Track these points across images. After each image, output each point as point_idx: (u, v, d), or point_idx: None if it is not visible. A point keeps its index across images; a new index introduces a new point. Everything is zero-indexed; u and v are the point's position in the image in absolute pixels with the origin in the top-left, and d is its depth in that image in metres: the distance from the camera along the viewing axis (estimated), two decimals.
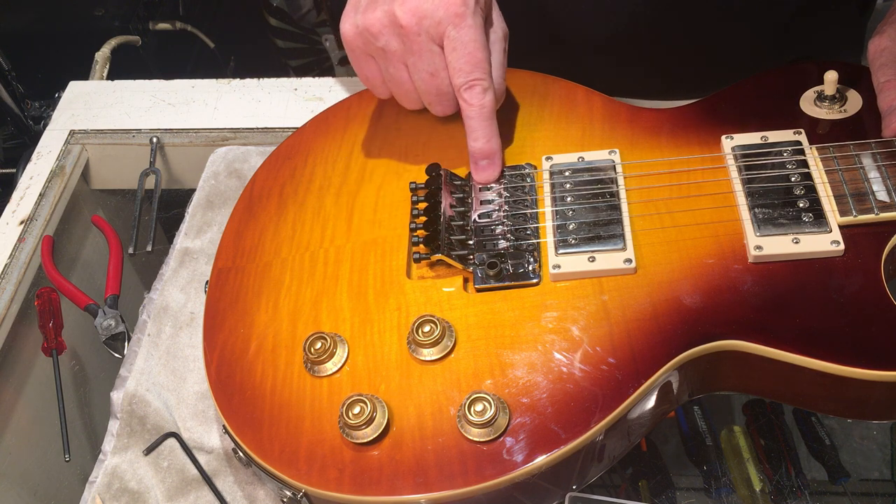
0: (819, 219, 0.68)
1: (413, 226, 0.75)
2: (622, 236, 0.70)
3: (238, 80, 1.04)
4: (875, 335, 0.62)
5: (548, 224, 0.72)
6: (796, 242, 0.67)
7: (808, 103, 0.77)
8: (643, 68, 0.95)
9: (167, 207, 0.97)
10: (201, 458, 0.75)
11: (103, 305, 0.86)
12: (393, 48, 0.73)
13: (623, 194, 0.73)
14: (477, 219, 0.73)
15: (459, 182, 0.76)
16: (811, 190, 0.70)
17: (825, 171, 0.71)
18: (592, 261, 0.69)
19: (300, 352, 0.69)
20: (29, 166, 0.99)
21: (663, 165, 0.75)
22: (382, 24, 0.72)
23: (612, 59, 0.94)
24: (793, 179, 0.71)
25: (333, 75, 1.04)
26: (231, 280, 0.75)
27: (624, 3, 0.89)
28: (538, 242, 0.71)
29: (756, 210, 0.69)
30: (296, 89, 1.02)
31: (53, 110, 1.05)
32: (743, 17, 0.92)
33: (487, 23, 0.74)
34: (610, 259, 0.69)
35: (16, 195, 0.96)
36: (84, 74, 1.19)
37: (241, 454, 0.68)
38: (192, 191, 0.94)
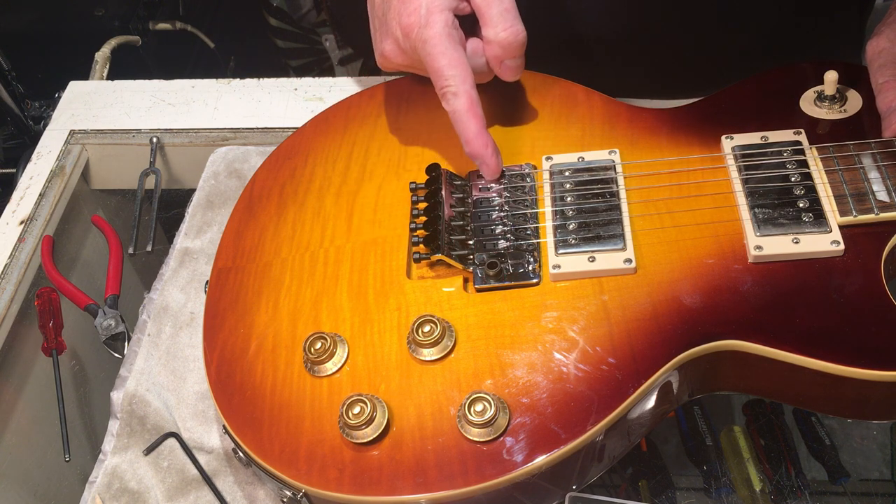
0: (819, 219, 0.68)
1: (413, 226, 0.75)
2: (622, 236, 0.70)
3: (238, 80, 1.04)
4: (875, 335, 0.62)
5: (548, 224, 0.72)
6: (796, 242, 0.67)
7: (808, 103, 0.77)
8: (643, 68, 0.95)
9: (167, 207, 0.97)
10: (201, 458, 0.75)
11: (103, 305, 0.86)
12: (413, 64, 0.77)
13: (623, 194, 0.73)
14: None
15: (459, 182, 0.76)
16: (811, 190, 0.70)
17: (825, 171, 0.71)
18: (592, 261, 0.69)
19: (300, 352, 0.69)
20: (29, 166, 0.99)
21: (663, 165, 0.75)
22: (393, 51, 0.77)
23: (612, 59, 0.94)
24: (793, 179, 0.71)
25: (333, 75, 1.04)
26: (231, 280, 0.75)
27: (624, 3, 0.89)
28: (538, 242, 0.71)
29: (756, 210, 0.69)
30: (296, 89, 1.02)
31: (53, 110, 1.05)
32: (743, 17, 0.92)
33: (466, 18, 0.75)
34: (610, 259, 0.69)
35: (16, 195, 0.96)
36: (84, 74, 1.19)
37: (241, 454, 0.68)
38: (192, 191, 0.93)
